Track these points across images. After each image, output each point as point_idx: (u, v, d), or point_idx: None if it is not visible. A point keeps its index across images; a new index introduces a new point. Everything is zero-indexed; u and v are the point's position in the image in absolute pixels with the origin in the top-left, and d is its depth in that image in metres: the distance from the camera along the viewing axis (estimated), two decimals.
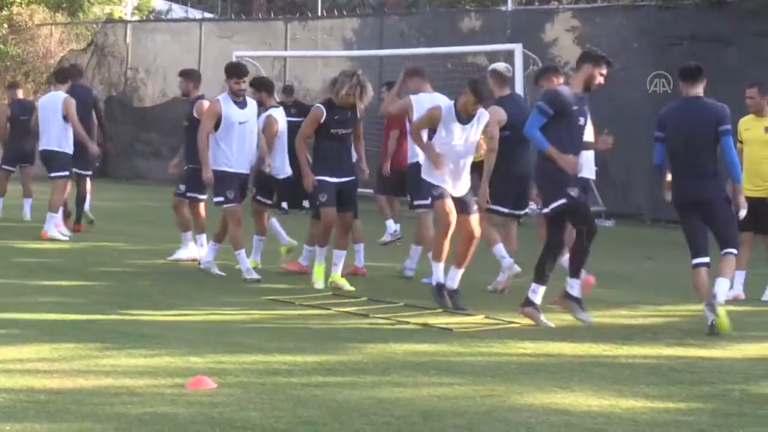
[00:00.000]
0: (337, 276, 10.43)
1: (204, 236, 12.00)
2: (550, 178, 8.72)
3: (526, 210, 10.52)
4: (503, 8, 21.42)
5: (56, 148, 13.56)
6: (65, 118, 13.52)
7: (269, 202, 11.76)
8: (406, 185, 11.16)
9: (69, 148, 13.65)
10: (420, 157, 10.26)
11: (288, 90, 19.28)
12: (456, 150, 9.31)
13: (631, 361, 7.51)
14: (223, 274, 10.95)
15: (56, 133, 13.55)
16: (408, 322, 8.70)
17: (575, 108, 8.72)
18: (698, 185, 8.87)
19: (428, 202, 10.14)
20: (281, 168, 11.59)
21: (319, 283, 10.32)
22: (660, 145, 9.06)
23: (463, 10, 23.26)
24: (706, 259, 8.80)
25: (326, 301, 9.67)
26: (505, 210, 10.32)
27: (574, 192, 8.67)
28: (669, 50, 18.62)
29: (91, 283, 10.36)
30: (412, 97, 10.78)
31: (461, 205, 9.35)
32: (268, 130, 11.47)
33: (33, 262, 11.68)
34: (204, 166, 10.79)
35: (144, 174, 25.67)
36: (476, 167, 9.83)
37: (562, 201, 8.66)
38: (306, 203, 14.86)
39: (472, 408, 6.05)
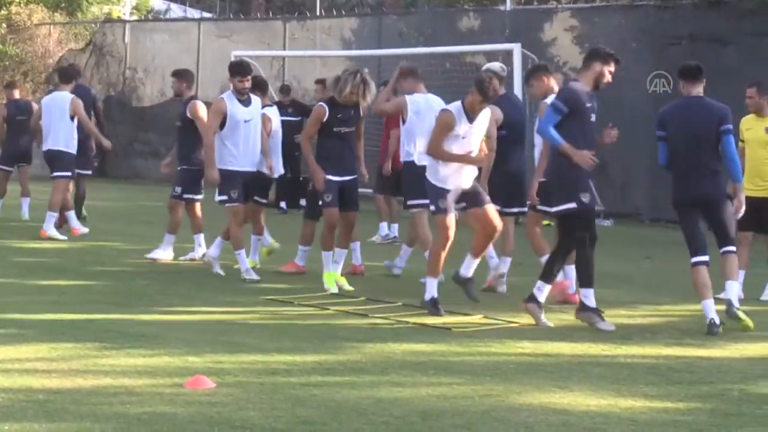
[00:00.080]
0: (337, 275, 10.42)
1: (201, 236, 12.01)
2: (563, 179, 8.72)
3: (523, 209, 10.46)
4: (502, 8, 21.41)
5: (63, 149, 13.57)
6: (72, 118, 13.56)
7: (265, 201, 11.75)
8: (401, 184, 11.17)
9: (74, 149, 13.68)
10: (414, 157, 10.28)
11: (285, 89, 19.30)
12: (465, 149, 9.25)
13: (630, 361, 7.51)
14: (222, 273, 10.95)
15: (63, 133, 13.56)
16: (407, 322, 8.70)
17: (588, 105, 8.75)
18: (699, 184, 8.87)
19: (423, 201, 10.21)
20: (275, 167, 11.58)
21: (332, 288, 10.18)
22: (663, 144, 9.06)
23: (461, 10, 23.25)
24: (706, 258, 8.81)
25: (325, 300, 9.67)
26: (498, 208, 10.31)
27: (585, 198, 8.67)
28: (667, 50, 18.63)
29: (89, 282, 10.37)
30: (407, 97, 10.79)
31: (474, 199, 9.23)
32: (261, 129, 11.46)
33: (32, 262, 11.68)
34: (210, 166, 10.75)
35: (142, 174, 25.66)
36: None
37: (572, 205, 8.67)
38: (304, 202, 14.83)
39: (471, 408, 6.05)
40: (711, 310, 8.63)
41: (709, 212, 8.91)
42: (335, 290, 10.14)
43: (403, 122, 10.84)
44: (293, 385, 6.44)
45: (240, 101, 10.86)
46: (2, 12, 27.91)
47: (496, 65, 10.82)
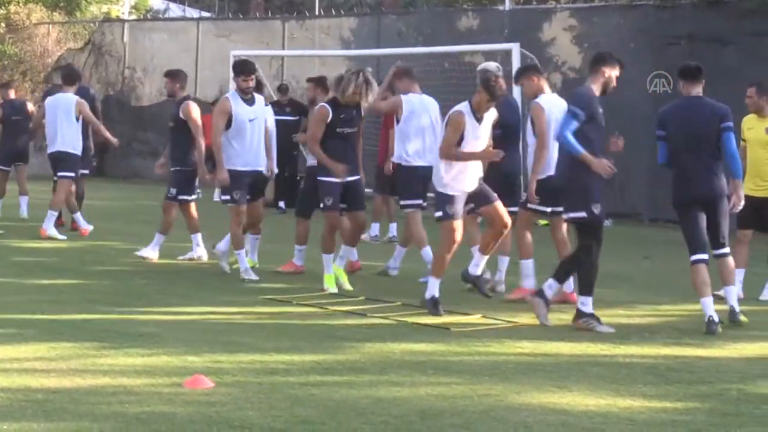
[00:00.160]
0: (341, 270, 10.43)
1: (198, 235, 12.01)
2: (578, 187, 8.71)
3: (514, 209, 10.43)
4: (501, 7, 21.41)
5: (69, 150, 13.60)
6: (77, 119, 13.57)
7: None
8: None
9: (80, 150, 13.73)
10: (410, 156, 10.28)
11: (283, 89, 19.30)
12: (472, 149, 9.21)
13: (629, 361, 7.51)
14: (228, 270, 10.95)
15: (69, 135, 13.58)
16: (405, 322, 8.70)
17: (601, 110, 8.78)
18: (699, 184, 8.88)
19: (416, 202, 10.43)
20: (272, 167, 11.55)
21: (331, 288, 10.17)
22: (663, 144, 9.07)
23: (460, 10, 23.25)
24: (705, 256, 8.82)
25: (324, 300, 9.67)
26: None
27: (597, 209, 8.68)
28: (667, 50, 18.63)
29: (88, 282, 10.37)
30: (403, 97, 10.80)
31: (482, 197, 9.23)
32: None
33: (30, 261, 11.68)
34: (219, 168, 10.70)
35: (141, 173, 25.64)
36: None
37: (582, 214, 8.70)
38: None
39: (470, 407, 6.05)
40: (710, 307, 8.65)
41: (709, 212, 8.91)
42: (334, 290, 10.13)
43: (398, 122, 10.84)
44: (292, 384, 6.44)
45: (244, 100, 10.85)
46: (1, 11, 27.89)
47: (492, 65, 10.82)
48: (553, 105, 9.97)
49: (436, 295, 9.13)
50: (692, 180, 8.90)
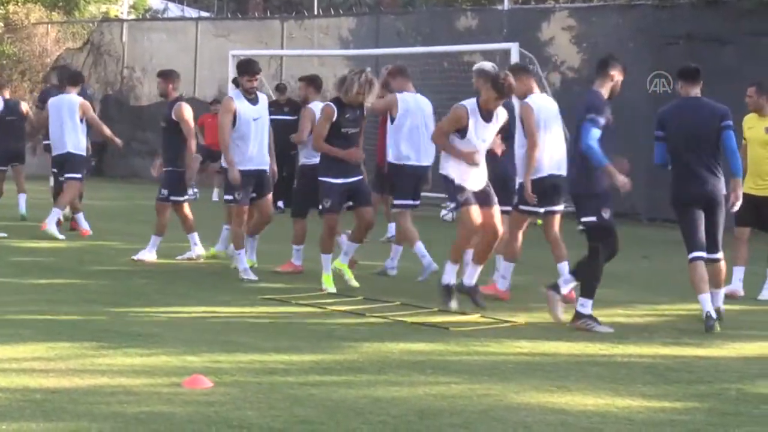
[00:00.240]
0: (345, 266, 10.43)
1: (195, 234, 12.00)
2: (593, 193, 8.75)
3: (507, 208, 10.41)
4: (500, 7, 21.41)
5: (74, 151, 13.63)
6: (81, 120, 13.59)
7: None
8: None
9: (84, 151, 13.75)
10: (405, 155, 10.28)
11: (281, 88, 19.29)
12: (478, 148, 9.21)
13: (628, 361, 7.51)
14: (252, 274, 10.81)
15: (73, 136, 13.60)
16: (404, 321, 8.70)
17: (611, 116, 8.81)
18: (699, 184, 8.89)
19: (406, 202, 10.58)
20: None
21: (330, 288, 10.16)
22: (661, 144, 9.08)
23: (459, 9, 23.26)
24: (703, 253, 8.84)
25: (322, 300, 9.66)
26: None
27: (606, 214, 8.73)
28: (665, 50, 18.62)
29: (87, 282, 10.36)
30: (398, 95, 10.81)
31: (483, 198, 9.24)
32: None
33: (29, 261, 11.68)
34: (230, 167, 10.64)
35: (140, 173, 25.61)
36: None
37: (593, 218, 8.73)
38: None
39: (469, 407, 6.05)
40: (708, 304, 8.68)
41: (707, 212, 8.91)
42: (333, 290, 10.12)
43: (392, 121, 10.84)
44: (291, 384, 6.44)
45: (248, 100, 10.85)
46: (0, 11, 27.90)
47: (488, 65, 10.81)
48: (542, 105, 9.98)
49: (451, 283, 9.16)
50: (692, 180, 8.92)
